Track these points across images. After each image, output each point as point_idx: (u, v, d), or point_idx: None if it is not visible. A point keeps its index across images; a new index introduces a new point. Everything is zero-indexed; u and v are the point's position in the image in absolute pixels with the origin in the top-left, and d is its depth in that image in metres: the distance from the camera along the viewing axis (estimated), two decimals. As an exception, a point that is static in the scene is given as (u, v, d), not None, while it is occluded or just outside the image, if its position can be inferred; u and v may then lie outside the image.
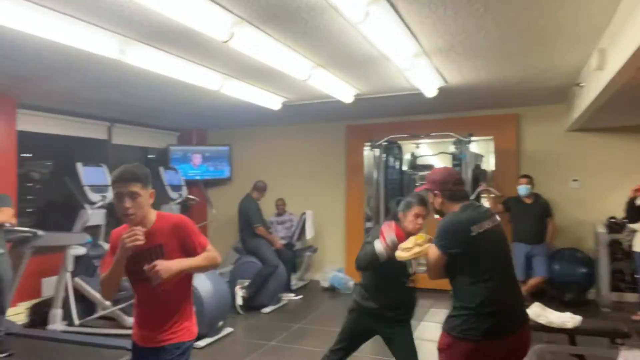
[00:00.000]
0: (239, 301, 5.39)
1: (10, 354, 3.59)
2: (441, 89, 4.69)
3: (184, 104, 5.54)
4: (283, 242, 6.59)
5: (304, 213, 6.68)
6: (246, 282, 5.54)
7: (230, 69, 4.02)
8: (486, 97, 5.45)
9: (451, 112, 6.33)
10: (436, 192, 2.19)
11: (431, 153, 6.99)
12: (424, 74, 4.14)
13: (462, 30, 3.17)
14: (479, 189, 5.66)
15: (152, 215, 2.00)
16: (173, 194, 6.07)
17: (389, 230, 2.40)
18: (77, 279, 4.87)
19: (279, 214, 6.85)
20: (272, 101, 5.19)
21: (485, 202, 5.78)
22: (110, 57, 3.29)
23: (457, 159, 6.10)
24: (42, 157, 5.72)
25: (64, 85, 4.45)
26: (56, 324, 4.68)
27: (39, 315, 4.84)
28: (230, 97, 4.77)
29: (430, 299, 5.50)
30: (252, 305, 5.47)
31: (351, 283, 6.29)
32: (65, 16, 2.77)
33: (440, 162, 6.77)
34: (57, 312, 4.73)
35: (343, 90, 4.75)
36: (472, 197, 5.42)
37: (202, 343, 4.32)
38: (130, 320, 4.35)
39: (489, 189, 5.70)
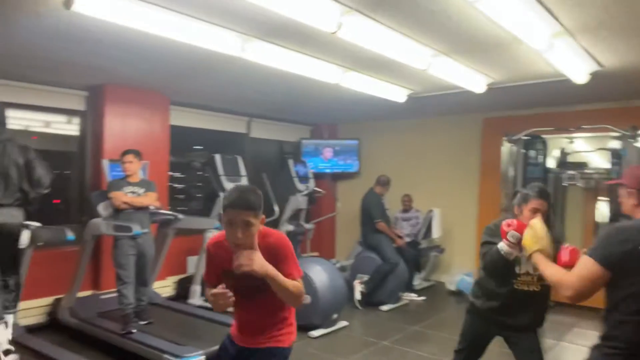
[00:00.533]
0: (357, 296, 5.36)
1: (149, 322, 4.09)
2: (594, 74, 3.99)
3: (308, 99, 5.67)
4: (407, 239, 6.37)
5: (431, 211, 6.36)
6: (365, 277, 5.48)
7: (347, 61, 3.96)
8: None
9: (609, 102, 5.39)
10: (632, 190, 1.77)
11: (587, 149, 6.04)
12: (568, 57, 3.56)
13: (613, 1, 2.62)
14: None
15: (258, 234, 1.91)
16: (300, 186, 6.28)
17: (509, 227, 2.11)
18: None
19: (405, 210, 6.63)
20: (397, 93, 5.01)
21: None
22: (233, 55, 3.48)
23: (617, 156, 5.17)
24: (189, 149, 6.40)
25: (204, 83, 4.88)
26: (195, 299, 5.22)
27: (183, 290, 5.45)
28: (353, 90, 4.72)
29: (573, 316, 4.81)
30: (370, 301, 5.40)
31: (480, 289, 5.81)
32: (201, 21, 3.01)
33: (597, 160, 5.82)
34: (196, 288, 5.27)
35: (473, 79, 4.34)
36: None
37: (316, 333, 4.40)
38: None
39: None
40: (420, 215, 6.58)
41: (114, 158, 4.45)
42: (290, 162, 6.37)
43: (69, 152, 5.23)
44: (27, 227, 3.36)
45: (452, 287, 6.16)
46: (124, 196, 3.98)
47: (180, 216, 4.58)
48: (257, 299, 1.93)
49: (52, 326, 4.46)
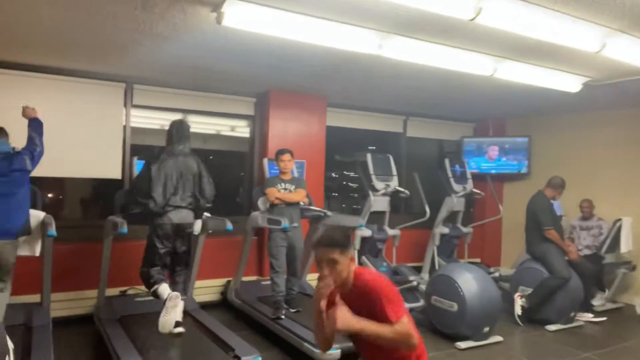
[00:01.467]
0: (518, 310, 4.82)
1: (297, 310, 4.35)
2: None
3: (465, 94, 5.33)
4: (587, 251, 5.51)
5: (619, 220, 5.37)
6: (528, 290, 4.90)
7: (500, 50, 3.59)
8: None
9: None
10: None
11: None
12: None
13: None
14: None
15: (351, 275, 1.90)
16: (457, 187, 5.94)
17: None
18: (363, 258, 5.45)
19: (584, 218, 5.73)
20: (568, 82, 4.35)
21: None
22: (374, 54, 3.47)
23: None
24: (344, 149, 6.61)
25: (356, 84, 5.01)
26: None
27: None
28: (514, 82, 4.27)
29: None
30: (533, 318, 4.81)
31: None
32: (341, 24, 3.10)
33: None
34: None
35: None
36: None
37: (463, 345, 4.12)
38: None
39: None
40: (605, 225, 5.60)
41: (273, 157, 4.87)
42: (446, 161, 6.07)
43: (241, 152, 5.92)
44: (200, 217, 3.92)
45: (647, 313, 5.08)
46: (277, 192, 4.33)
47: (329, 213, 4.76)
48: (364, 338, 1.85)
49: (224, 304, 5.10)
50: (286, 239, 4.29)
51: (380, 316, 1.76)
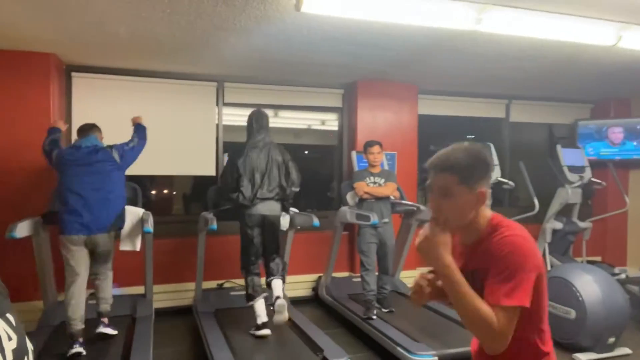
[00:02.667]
0: None
1: (390, 310, 4.11)
2: None
3: (579, 70, 4.67)
4: None
5: None
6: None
7: (623, 14, 3.02)
8: None
9: None
10: None
11: None
12: None
13: None
14: None
15: (483, 221, 1.34)
16: (572, 176, 5.24)
17: None
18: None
19: None
20: None
21: None
22: (471, 30, 3.12)
23: None
24: (438, 138, 6.18)
25: (449, 66, 4.60)
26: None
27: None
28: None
29: None
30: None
31: None
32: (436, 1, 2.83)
33: None
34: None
35: None
36: None
37: (583, 357, 3.60)
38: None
39: None
40: None
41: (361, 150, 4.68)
42: (559, 147, 5.39)
43: (331, 145, 5.80)
44: (287, 212, 3.87)
45: None
46: (366, 186, 4.12)
47: (422, 207, 4.45)
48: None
49: (315, 300, 5.04)
50: (376, 235, 4.08)
51: (485, 288, 1.25)
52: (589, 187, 5.43)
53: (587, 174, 5.38)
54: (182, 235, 4.81)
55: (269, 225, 3.64)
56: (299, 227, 3.99)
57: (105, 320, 3.38)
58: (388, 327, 3.73)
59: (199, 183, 5.50)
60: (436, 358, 3.17)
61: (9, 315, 0.95)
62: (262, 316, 3.49)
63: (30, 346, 0.98)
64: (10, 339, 0.91)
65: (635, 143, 6.06)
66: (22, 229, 3.31)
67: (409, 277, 5.32)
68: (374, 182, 4.15)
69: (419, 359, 3.18)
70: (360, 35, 3.49)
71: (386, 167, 4.50)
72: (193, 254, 4.51)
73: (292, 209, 4.04)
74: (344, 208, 4.35)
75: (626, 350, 3.71)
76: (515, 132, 6.29)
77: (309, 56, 4.16)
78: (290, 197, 3.73)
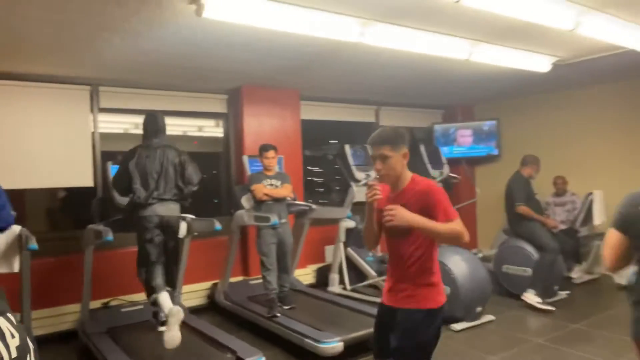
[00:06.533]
0: (537, 304, 4.64)
1: (292, 307, 4.28)
2: None
3: (437, 79, 5.38)
4: (563, 226, 5.69)
5: (591, 194, 5.57)
6: (513, 268, 5.02)
7: (476, 33, 3.64)
8: None
9: None
10: None
11: None
12: None
13: None
14: None
15: (407, 177, 2.06)
16: (433, 172, 6.01)
17: None
18: (349, 249, 5.43)
19: (558, 194, 5.93)
20: (539, 62, 4.46)
21: None
22: (353, 42, 3.43)
23: None
24: (319, 142, 6.57)
25: (329, 74, 4.95)
26: (334, 287, 5.36)
27: (322, 278, 5.63)
28: (486, 65, 4.34)
29: None
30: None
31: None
32: (319, 11, 3.02)
33: None
34: (334, 277, 5.40)
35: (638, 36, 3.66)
36: None
37: (458, 327, 4.17)
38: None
39: None
40: (577, 200, 5.82)
41: (252, 154, 4.77)
42: (422, 147, 6.12)
43: (218, 152, 5.76)
44: (183, 218, 3.78)
45: (622, 281, 5.29)
46: (264, 188, 4.23)
47: (314, 206, 4.71)
48: (401, 239, 2.03)
49: (212, 308, 4.97)
50: (276, 235, 4.21)
51: (432, 214, 1.93)
52: (447, 181, 6.26)
53: (446, 170, 6.21)
54: (57, 253, 4.37)
55: (167, 227, 3.55)
56: (196, 234, 3.92)
57: None
58: (293, 322, 3.89)
59: (69, 196, 5.03)
60: (342, 343, 3.42)
61: (9, 315, 0.93)
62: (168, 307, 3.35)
63: (32, 345, 0.94)
64: (13, 336, 0.90)
65: (473, 143, 7.14)
66: None
67: (302, 275, 5.56)
68: (271, 185, 4.27)
69: (327, 345, 3.39)
70: (256, 42, 3.60)
71: (279, 170, 4.66)
72: (66, 274, 4.15)
73: (188, 216, 3.96)
74: (240, 211, 4.40)
75: (490, 317, 4.41)
76: (385, 135, 6.95)
77: (200, 61, 4.13)
78: (189, 197, 3.68)
